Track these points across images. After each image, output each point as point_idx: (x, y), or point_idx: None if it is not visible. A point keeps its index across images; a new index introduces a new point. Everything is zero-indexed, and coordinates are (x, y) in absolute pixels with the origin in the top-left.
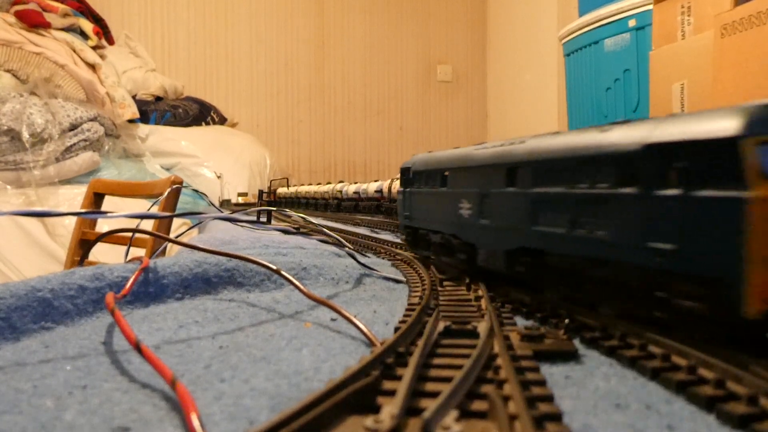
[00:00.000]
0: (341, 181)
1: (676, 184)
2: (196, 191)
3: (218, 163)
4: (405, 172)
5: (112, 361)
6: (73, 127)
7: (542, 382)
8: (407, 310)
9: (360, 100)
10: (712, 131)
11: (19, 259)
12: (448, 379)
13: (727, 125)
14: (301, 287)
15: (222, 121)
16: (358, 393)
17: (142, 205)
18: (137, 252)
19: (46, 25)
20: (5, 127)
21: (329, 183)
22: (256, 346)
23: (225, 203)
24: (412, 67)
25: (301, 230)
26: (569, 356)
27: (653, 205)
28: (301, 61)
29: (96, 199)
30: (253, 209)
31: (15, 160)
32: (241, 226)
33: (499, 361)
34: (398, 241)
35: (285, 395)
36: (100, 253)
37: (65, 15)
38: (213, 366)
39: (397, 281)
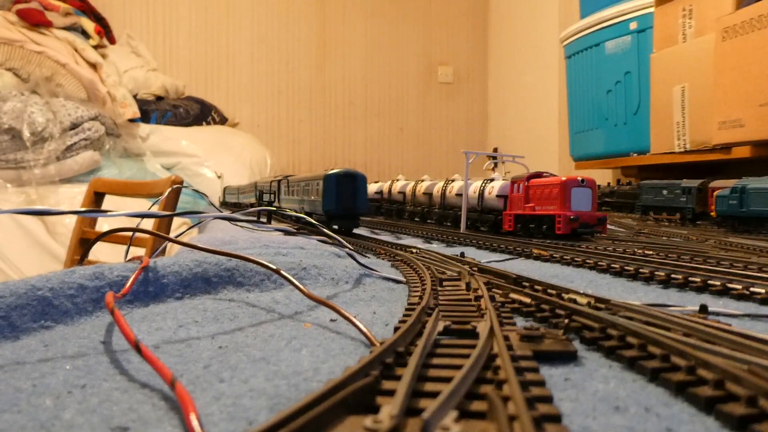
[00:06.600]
0: None
1: None
2: (197, 191)
3: (219, 163)
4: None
5: (112, 360)
6: (74, 126)
7: (542, 383)
8: (407, 310)
9: (360, 101)
10: None
11: (19, 258)
12: (447, 380)
13: None
14: (301, 287)
15: (223, 120)
16: (357, 393)
17: (142, 205)
18: (137, 251)
19: (48, 24)
20: (6, 126)
21: None
22: (255, 346)
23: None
24: (413, 68)
25: (301, 231)
26: (569, 357)
27: None
28: (302, 62)
29: (96, 198)
30: (253, 209)
31: (16, 159)
32: (241, 226)
33: (498, 361)
34: (399, 242)
35: (284, 396)
36: (101, 252)
37: (67, 14)
38: (212, 366)
39: (397, 281)
